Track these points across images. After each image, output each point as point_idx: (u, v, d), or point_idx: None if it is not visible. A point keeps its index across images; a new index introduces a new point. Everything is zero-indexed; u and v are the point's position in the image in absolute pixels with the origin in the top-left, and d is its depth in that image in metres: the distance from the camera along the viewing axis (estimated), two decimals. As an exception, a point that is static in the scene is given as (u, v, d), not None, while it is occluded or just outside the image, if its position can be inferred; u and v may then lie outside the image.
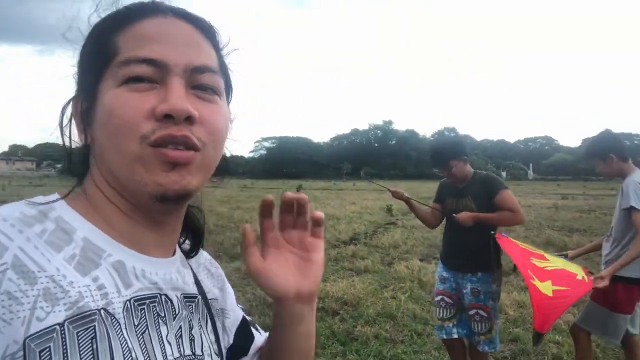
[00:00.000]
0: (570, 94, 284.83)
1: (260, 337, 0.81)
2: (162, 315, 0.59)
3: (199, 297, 0.68)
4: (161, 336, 0.58)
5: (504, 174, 78.86)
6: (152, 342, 0.56)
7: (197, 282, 0.70)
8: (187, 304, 0.64)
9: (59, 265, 0.50)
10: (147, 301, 0.57)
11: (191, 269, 0.71)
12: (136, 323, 0.55)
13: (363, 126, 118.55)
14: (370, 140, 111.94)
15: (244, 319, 0.79)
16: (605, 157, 2.99)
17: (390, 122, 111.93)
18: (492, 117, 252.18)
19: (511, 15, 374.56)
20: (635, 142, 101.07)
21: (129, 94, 0.53)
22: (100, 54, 0.56)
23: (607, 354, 3.89)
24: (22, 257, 0.48)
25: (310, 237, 0.67)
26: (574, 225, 12.26)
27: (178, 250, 0.68)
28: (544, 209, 17.12)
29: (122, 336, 0.52)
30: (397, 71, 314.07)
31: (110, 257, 0.55)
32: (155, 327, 0.57)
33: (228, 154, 0.66)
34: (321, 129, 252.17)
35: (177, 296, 0.62)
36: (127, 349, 0.52)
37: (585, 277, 2.79)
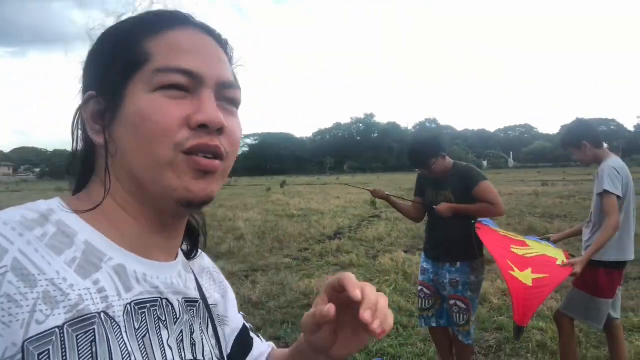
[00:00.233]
0: (548, 82, 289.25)
1: (261, 345, 0.80)
2: (163, 319, 0.59)
3: (200, 301, 0.68)
4: (162, 340, 0.58)
5: (485, 163, 79.86)
6: (152, 346, 0.56)
7: (199, 287, 0.70)
8: (189, 308, 0.64)
9: (59, 269, 0.50)
10: (148, 305, 0.57)
11: (193, 273, 0.71)
12: (137, 327, 0.55)
13: (345, 120, 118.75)
14: (352, 134, 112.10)
15: (243, 327, 0.79)
16: (579, 144, 3.03)
17: (372, 115, 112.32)
18: (473, 107, 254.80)
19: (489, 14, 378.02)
20: (612, 127, 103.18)
21: (165, 101, 0.55)
22: (127, 57, 0.56)
23: (590, 339, 3.93)
24: (22, 260, 0.48)
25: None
26: (555, 212, 12.44)
27: (180, 254, 0.68)
28: (525, 196, 17.34)
29: (122, 340, 0.52)
30: (380, 65, 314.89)
31: (111, 260, 0.55)
32: (156, 331, 0.57)
33: None
34: (303, 124, 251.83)
35: (178, 300, 0.62)
36: (127, 352, 0.52)
37: (566, 261, 2.81)
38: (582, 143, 3.01)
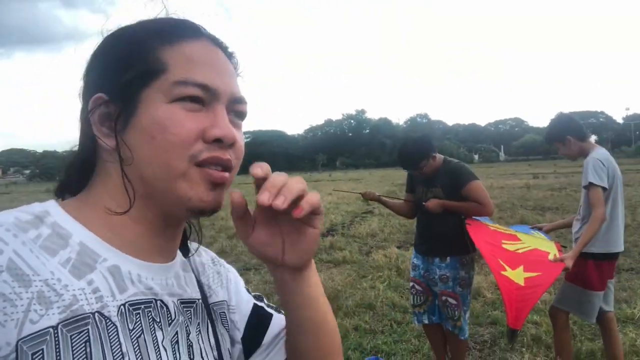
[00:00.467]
0: (538, 75, 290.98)
1: (282, 320, 0.77)
2: (158, 320, 0.59)
3: (198, 301, 0.68)
4: (157, 341, 0.58)
5: (476, 157, 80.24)
6: (147, 347, 0.56)
7: (200, 285, 0.70)
8: (185, 309, 0.64)
9: (53, 269, 0.51)
10: (142, 306, 0.57)
11: (193, 271, 0.71)
12: (131, 327, 0.55)
13: (337, 117, 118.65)
14: (344, 130, 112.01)
15: (254, 308, 0.78)
16: (563, 139, 3.02)
17: (363, 112, 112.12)
18: (463, 102, 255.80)
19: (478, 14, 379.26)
20: (601, 119, 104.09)
21: (183, 113, 0.56)
22: (143, 64, 0.57)
23: (584, 331, 3.93)
24: (17, 261, 0.49)
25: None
26: (546, 204, 12.49)
27: (179, 254, 0.68)
28: (517, 189, 17.42)
29: (116, 340, 0.52)
30: (370, 61, 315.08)
31: (106, 261, 0.55)
32: (151, 332, 0.57)
33: None
34: (295, 121, 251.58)
35: (174, 302, 0.62)
36: (121, 353, 0.52)
37: (557, 255, 2.80)
38: (566, 138, 3.00)
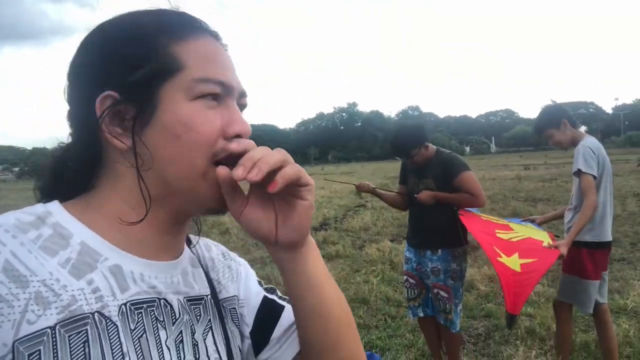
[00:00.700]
0: (528, 66, 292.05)
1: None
2: (161, 319, 0.58)
3: (207, 297, 0.67)
4: (160, 341, 0.57)
5: (467, 148, 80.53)
6: (149, 347, 0.55)
7: (209, 281, 0.69)
8: (193, 307, 0.63)
9: (52, 270, 0.50)
10: (145, 305, 0.56)
11: (202, 266, 0.70)
12: (132, 327, 0.54)
13: (328, 110, 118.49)
14: (336, 123, 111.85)
15: (264, 301, 0.75)
16: (558, 124, 3.01)
17: (354, 105, 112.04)
18: (454, 94, 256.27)
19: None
20: (591, 110, 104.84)
21: (207, 111, 0.57)
22: (158, 62, 0.55)
23: (578, 323, 3.93)
24: (14, 262, 0.48)
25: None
26: (537, 195, 12.55)
27: (186, 250, 0.67)
28: (508, 181, 17.50)
29: (116, 340, 0.52)
30: (361, 55, 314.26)
31: (107, 261, 0.55)
32: (154, 331, 0.56)
33: None
34: (286, 115, 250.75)
35: (179, 300, 0.61)
36: (121, 353, 0.51)
37: (551, 243, 2.80)
38: (562, 121, 2.99)
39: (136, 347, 0.54)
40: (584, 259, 2.89)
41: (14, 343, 0.45)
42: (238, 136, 0.58)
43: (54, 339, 0.47)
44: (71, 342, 0.48)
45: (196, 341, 0.62)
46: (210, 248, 0.75)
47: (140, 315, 0.56)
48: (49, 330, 0.47)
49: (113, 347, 0.51)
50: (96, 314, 0.51)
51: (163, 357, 0.56)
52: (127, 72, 0.55)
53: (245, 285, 0.75)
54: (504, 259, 2.58)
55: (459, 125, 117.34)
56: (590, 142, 2.90)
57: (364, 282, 5.38)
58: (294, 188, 0.58)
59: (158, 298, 0.58)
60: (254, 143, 0.60)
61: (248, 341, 0.72)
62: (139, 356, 0.53)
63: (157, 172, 0.56)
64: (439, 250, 3.05)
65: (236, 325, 0.71)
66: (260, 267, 6.28)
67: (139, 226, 0.58)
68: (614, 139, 70.35)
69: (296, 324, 0.70)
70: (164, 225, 0.60)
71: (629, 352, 3.38)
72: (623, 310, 4.19)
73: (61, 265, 0.51)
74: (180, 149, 0.55)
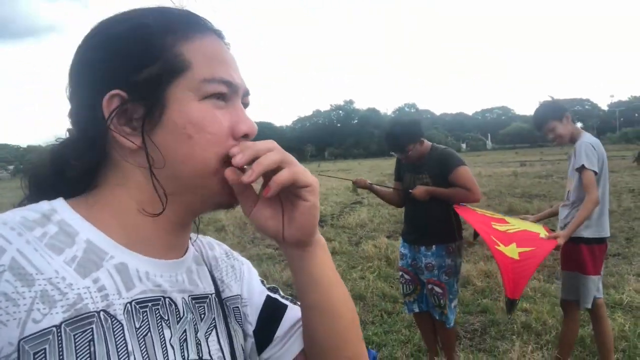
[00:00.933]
0: (524, 63, 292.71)
1: (298, 311, 0.75)
2: (166, 318, 0.58)
3: (212, 295, 0.67)
4: (164, 340, 0.57)
5: (463, 145, 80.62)
6: (153, 346, 0.55)
7: (213, 279, 0.69)
8: (197, 305, 0.64)
9: (58, 268, 0.50)
10: (150, 304, 0.56)
11: (206, 264, 0.70)
12: (137, 326, 0.54)
13: (325, 107, 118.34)
14: (332, 120, 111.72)
15: (267, 300, 0.75)
16: (561, 116, 3.00)
17: (351, 102, 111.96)
18: (450, 91, 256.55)
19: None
20: (587, 107, 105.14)
21: (215, 111, 0.57)
22: (165, 62, 0.55)
23: (573, 317, 3.93)
24: (20, 260, 0.48)
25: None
26: (534, 191, 12.58)
27: (191, 248, 0.68)
28: (504, 177, 17.53)
29: (121, 339, 0.51)
30: (358, 52, 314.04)
31: (113, 259, 0.55)
32: (158, 330, 0.56)
33: None
34: (283, 113, 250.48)
35: (183, 298, 0.61)
36: (126, 352, 0.51)
37: (548, 234, 2.82)
38: (566, 115, 2.99)
39: (141, 346, 0.54)
40: (583, 255, 2.89)
41: (19, 342, 0.45)
42: (246, 135, 0.59)
43: (59, 338, 0.47)
44: (76, 341, 0.48)
45: (199, 340, 0.62)
46: (213, 247, 0.76)
47: (145, 314, 0.56)
48: (54, 329, 0.47)
49: (118, 346, 0.51)
50: (102, 313, 0.51)
51: (167, 356, 0.56)
52: (134, 71, 0.55)
53: (248, 284, 0.76)
54: (502, 247, 2.61)
55: (456, 123, 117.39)
56: (590, 139, 2.92)
57: (360, 278, 5.38)
58: (295, 189, 0.58)
59: (163, 296, 0.58)
60: (260, 147, 0.57)
61: (251, 340, 0.72)
62: (143, 355, 0.53)
63: (168, 171, 0.56)
64: (433, 246, 3.05)
65: (239, 324, 0.71)
66: (256, 264, 6.26)
67: (146, 225, 0.58)
68: (610, 136, 70.45)
69: (303, 322, 0.71)
70: (170, 223, 0.60)
71: (625, 346, 3.39)
72: (619, 304, 4.20)
73: (67, 264, 0.51)
74: (192, 150, 0.56)
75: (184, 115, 0.56)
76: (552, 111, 3.04)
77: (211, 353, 0.63)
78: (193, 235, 0.73)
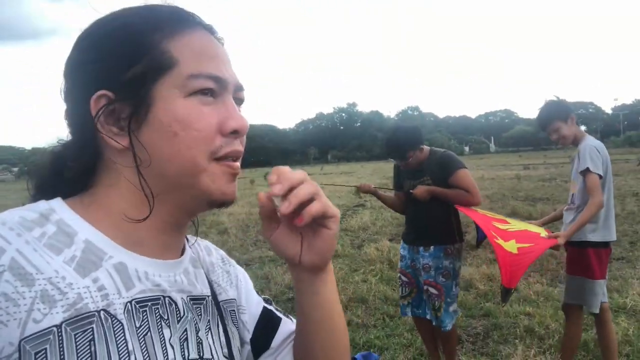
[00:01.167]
0: (527, 66, 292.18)
1: (291, 324, 0.78)
2: (166, 317, 0.58)
3: (208, 297, 0.67)
4: (164, 339, 0.57)
5: (466, 148, 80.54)
6: (154, 345, 0.55)
7: (209, 282, 0.69)
8: (195, 306, 0.64)
9: (58, 268, 0.50)
10: (149, 303, 0.56)
11: (202, 268, 0.70)
12: (137, 325, 0.54)
13: (328, 110, 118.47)
14: (335, 123, 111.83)
15: (264, 311, 0.77)
16: (566, 117, 2.96)
17: (354, 105, 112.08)
18: (454, 94, 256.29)
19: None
20: (590, 110, 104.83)
21: (202, 107, 0.56)
22: (151, 59, 0.55)
23: (577, 321, 3.91)
24: (20, 260, 0.48)
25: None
26: (537, 195, 12.54)
27: (188, 250, 0.68)
28: (507, 180, 17.48)
29: (122, 338, 0.51)
30: (361, 55, 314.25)
31: (112, 259, 0.55)
32: (158, 329, 0.56)
33: None
34: (286, 115, 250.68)
35: (182, 298, 0.61)
36: (126, 351, 0.51)
37: (548, 234, 2.82)
38: (571, 116, 2.96)
39: (141, 345, 0.53)
40: (590, 259, 2.86)
41: (20, 342, 0.45)
42: (235, 132, 0.58)
43: (60, 338, 0.47)
44: (77, 340, 0.48)
45: (200, 339, 0.62)
46: (210, 252, 0.76)
47: (145, 313, 0.55)
48: (55, 328, 0.47)
49: (119, 345, 0.51)
50: (102, 312, 0.51)
51: (167, 355, 0.56)
52: (120, 70, 0.55)
53: (246, 293, 0.77)
54: (501, 241, 2.63)
55: (459, 126, 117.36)
56: (595, 142, 2.90)
57: (363, 281, 5.36)
58: (321, 219, 0.61)
59: (163, 296, 0.58)
60: (295, 179, 0.58)
61: (248, 347, 0.74)
62: (144, 354, 0.53)
63: (156, 170, 0.56)
64: (432, 247, 3.03)
65: (236, 327, 0.72)
66: (258, 266, 6.27)
67: (141, 225, 0.58)
68: (613, 139, 70.28)
69: (301, 336, 0.73)
70: (165, 223, 0.60)
71: (628, 351, 3.37)
72: (622, 308, 4.17)
73: (66, 263, 0.51)
74: (178, 147, 0.55)
75: (169, 113, 0.55)
76: (558, 111, 3.00)
77: (212, 353, 0.63)
78: (192, 238, 0.73)
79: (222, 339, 0.67)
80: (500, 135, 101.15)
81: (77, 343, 0.48)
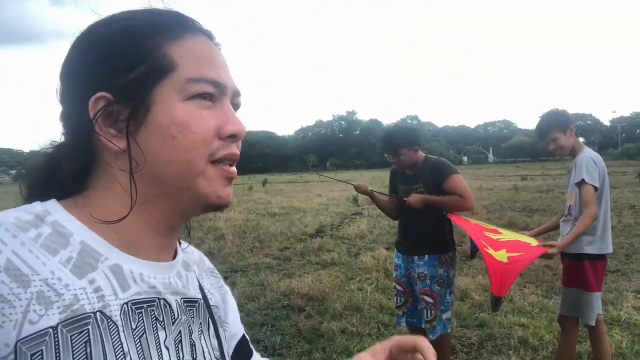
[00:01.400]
0: (526, 78, 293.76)
1: (257, 358, 0.80)
2: (161, 319, 0.58)
3: (201, 300, 0.68)
4: (159, 341, 0.57)
5: (465, 158, 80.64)
6: (149, 347, 0.55)
7: (200, 287, 0.70)
8: (188, 308, 0.64)
9: (54, 269, 0.50)
10: (145, 305, 0.57)
11: (194, 272, 0.71)
12: (133, 327, 0.54)
13: (327, 118, 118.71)
14: (334, 131, 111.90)
15: (243, 337, 0.79)
16: (565, 127, 2.97)
17: (353, 113, 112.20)
18: (453, 104, 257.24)
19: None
20: (589, 122, 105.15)
21: (201, 111, 0.57)
22: (151, 62, 0.56)
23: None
24: (15, 261, 0.48)
25: None
26: (534, 206, 12.56)
27: (180, 253, 0.68)
28: (505, 191, 17.52)
29: (117, 340, 0.52)
30: (361, 63, 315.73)
31: (107, 260, 0.55)
32: (153, 331, 0.57)
33: None
34: (285, 122, 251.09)
35: (176, 300, 0.62)
36: (122, 353, 0.51)
37: (539, 244, 2.84)
38: (570, 126, 2.98)
39: (137, 346, 0.54)
40: (587, 272, 2.87)
41: (16, 343, 0.45)
42: (233, 136, 0.59)
43: (56, 339, 0.47)
44: (73, 342, 0.48)
45: (194, 342, 0.62)
46: (203, 261, 0.77)
47: (141, 314, 0.56)
48: (51, 330, 0.47)
49: (115, 347, 0.51)
50: (98, 314, 0.51)
51: (162, 357, 0.56)
52: (120, 73, 0.55)
53: (233, 311, 0.78)
54: (491, 251, 2.65)
55: (457, 135, 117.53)
56: (592, 154, 2.91)
57: (358, 289, 5.36)
58: None
59: (158, 298, 0.59)
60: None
61: None
62: (139, 356, 0.53)
63: (152, 173, 0.57)
64: (426, 256, 3.05)
65: (225, 331, 0.73)
66: (254, 273, 6.26)
67: (136, 227, 0.58)
68: (611, 151, 70.51)
69: None
70: (159, 225, 0.60)
71: (622, 364, 3.37)
72: (617, 321, 4.18)
73: (62, 264, 0.51)
74: (176, 150, 0.56)
75: (168, 116, 0.56)
76: (557, 121, 3.02)
77: (205, 355, 0.63)
78: (185, 244, 0.74)
79: (214, 341, 0.68)
80: (499, 145, 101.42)
81: (73, 344, 0.48)
